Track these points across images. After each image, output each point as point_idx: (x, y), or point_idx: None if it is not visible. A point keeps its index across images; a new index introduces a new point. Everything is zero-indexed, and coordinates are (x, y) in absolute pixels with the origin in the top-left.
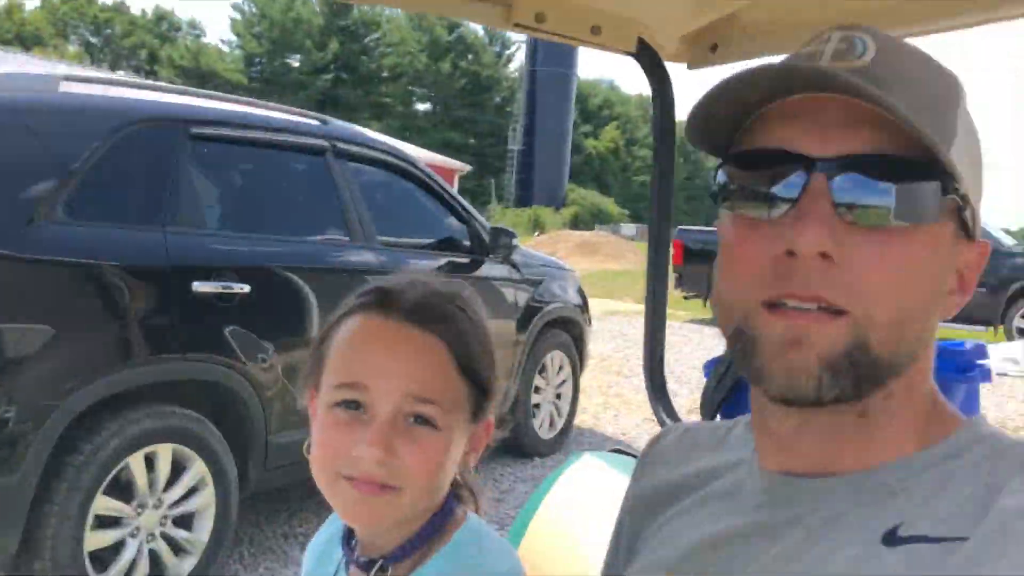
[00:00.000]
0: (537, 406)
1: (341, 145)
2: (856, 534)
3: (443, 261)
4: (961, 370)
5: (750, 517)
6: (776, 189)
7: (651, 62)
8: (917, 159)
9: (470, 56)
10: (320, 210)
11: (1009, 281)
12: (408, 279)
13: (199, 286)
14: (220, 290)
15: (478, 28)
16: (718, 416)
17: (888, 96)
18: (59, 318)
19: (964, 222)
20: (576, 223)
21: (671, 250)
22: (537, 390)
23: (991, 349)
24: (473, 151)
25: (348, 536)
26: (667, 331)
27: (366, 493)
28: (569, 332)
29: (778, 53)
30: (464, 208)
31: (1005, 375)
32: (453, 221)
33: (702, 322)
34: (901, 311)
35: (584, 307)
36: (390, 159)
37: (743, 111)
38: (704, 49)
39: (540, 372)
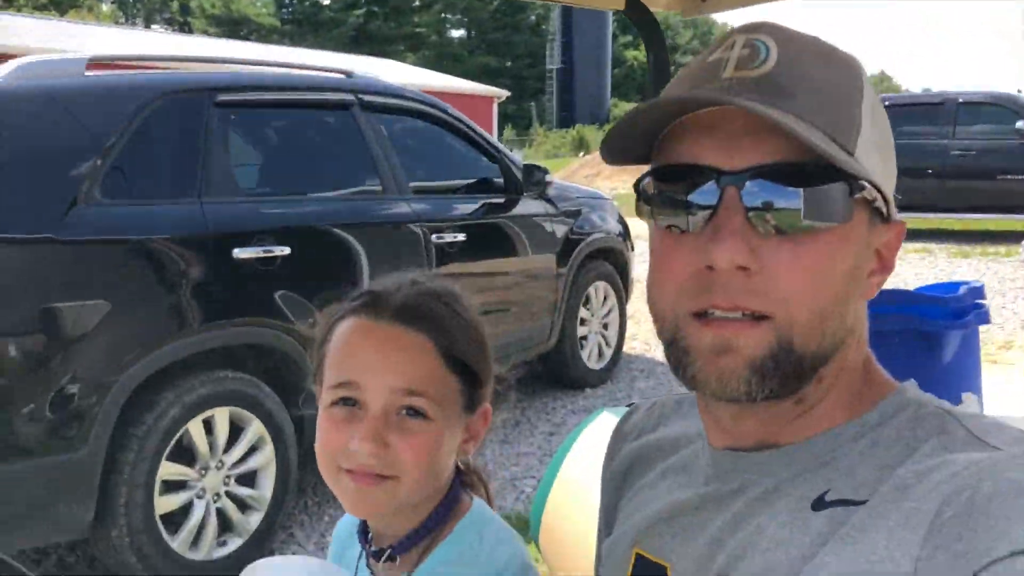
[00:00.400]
0: (584, 338)
1: (367, 97)
2: (791, 503)
3: (478, 203)
4: (955, 316)
5: (700, 489)
6: (693, 199)
7: (641, 16)
8: (822, 164)
9: None
10: (351, 164)
11: None
12: (398, 281)
13: (240, 252)
14: (261, 254)
15: None
16: None
17: (789, 102)
18: (110, 296)
19: (876, 208)
20: None
21: None
22: (583, 322)
23: None
24: (511, 74)
25: (364, 528)
26: None
27: (363, 484)
28: (611, 261)
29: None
30: (495, 148)
31: None
32: (485, 161)
33: None
34: (820, 309)
35: (625, 235)
36: (417, 105)
37: (653, 127)
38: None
39: (585, 304)
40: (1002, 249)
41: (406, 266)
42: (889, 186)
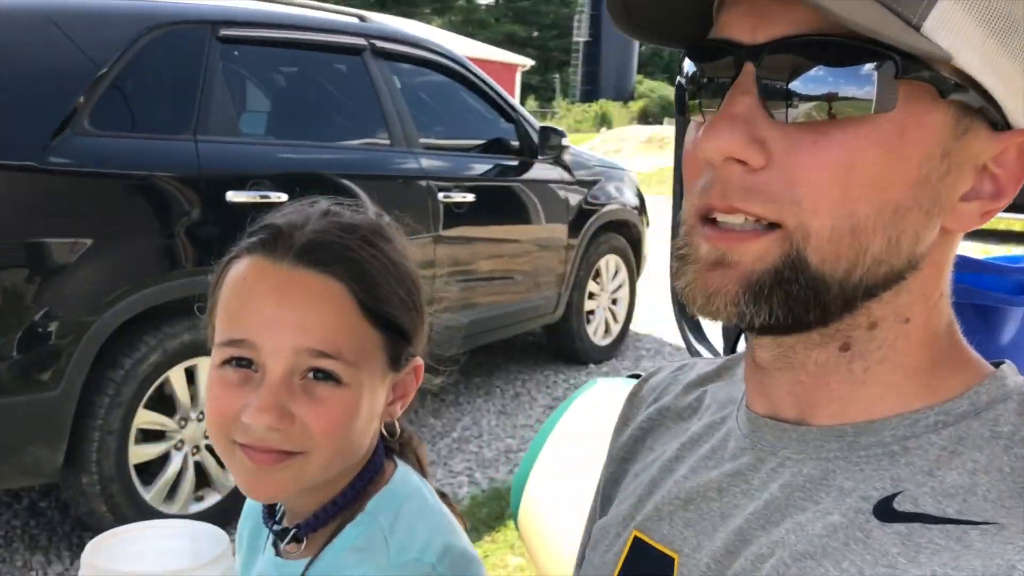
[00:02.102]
0: (591, 312)
1: (380, 43)
2: (843, 499)
3: (490, 164)
4: (1019, 290)
5: (728, 466)
6: (710, 81)
7: None
8: (862, 38)
9: None
10: (359, 113)
11: None
12: (306, 212)
13: (234, 195)
14: (257, 199)
15: None
16: (739, 348)
17: None
18: (92, 231)
19: (970, 107)
20: (645, 117)
21: None
22: (591, 296)
23: None
24: (536, 44)
25: (271, 503)
26: None
27: (262, 462)
28: (625, 235)
29: None
30: (512, 107)
31: None
32: (501, 121)
33: None
34: (851, 219)
35: (642, 209)
36: (433, 57)
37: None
38: None
39: (595, 277)
40: (1008, 247)
41: (410, 223)
42: (1006, 81)
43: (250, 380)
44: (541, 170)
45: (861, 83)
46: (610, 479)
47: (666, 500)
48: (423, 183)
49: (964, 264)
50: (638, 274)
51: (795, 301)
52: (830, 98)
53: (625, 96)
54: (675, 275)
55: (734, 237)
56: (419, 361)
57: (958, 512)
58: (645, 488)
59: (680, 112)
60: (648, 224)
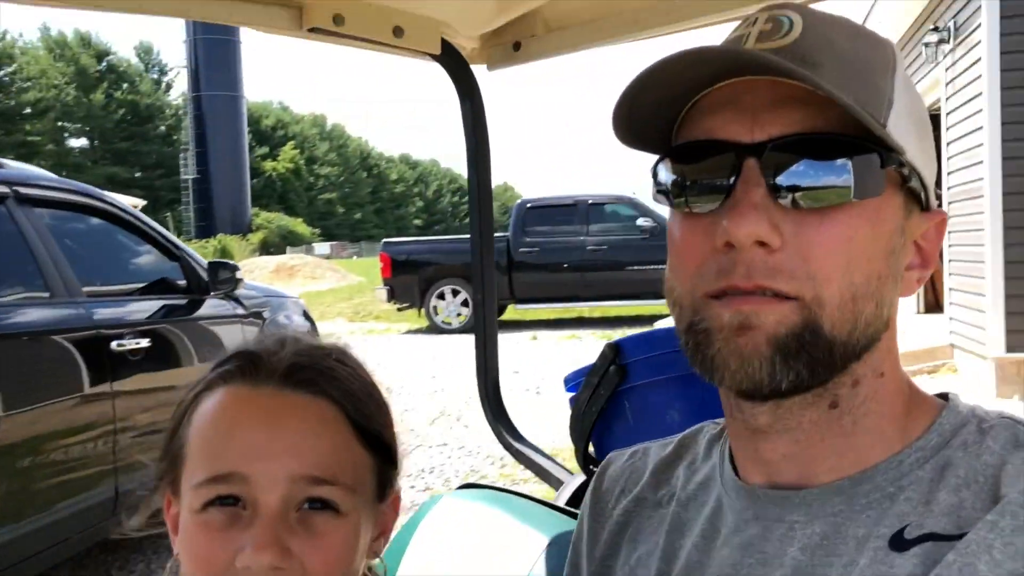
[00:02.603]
0: None
1: (23, 190)
2: (861, 544)
3: (159, 305)
4: None
5: (735, 540)
6: (710, 180)
7: (456, 65)
8: (850, 134)
9: (125, 85)
10: (9, 265)
11: None
12: (274, 337)
13: None
14: None
15: (131, 55)
16: (590, 444)
17: (815, 71)
18: None
19: (913, 192)
20: (267, 248)
21: (493, 262)
22: None
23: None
24: (142, 184)
25: None
26: (390, 344)
27: None
28: None
29: (583, 47)
30: (174, 244)
31: None
32: (164, 260)
33: (419, 331)
34: (852, 288)
35: (314, 333)
36: (82, 199)
37: (669, 106)
38: (507, 48)
39: None
40: (639, 329)
41: (77, 383)
42: (928, 172)
43: (238, 520)
44: (214, 306)
45: (854, 171)
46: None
47: None
48: (92, 332)
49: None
50: None
51: (815, 363)
52: (827, 186)
53: (243, 229)
54: (695, 350)
55: (757, 302)
56: (399, 491)
57: (957, 527)
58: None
59: (672, 205)
60: None
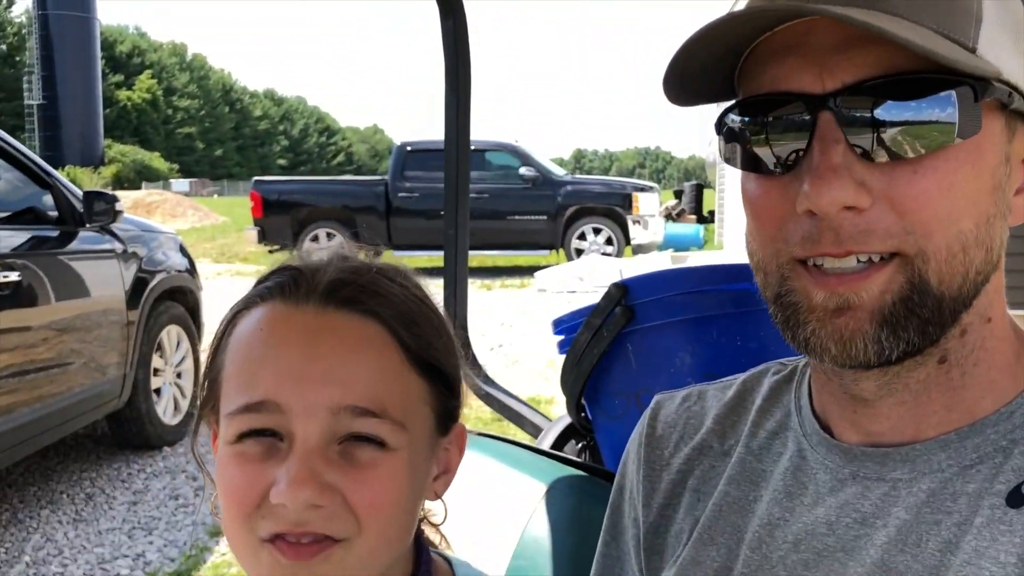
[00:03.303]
0: (158, 390)
1: None
2: (974, 501)
3: (26, 236)
4: None
5: (830, 500)
6: (782, 138)
7: None
8: (934, 70)
9: None
10: None
11: (564, 207)
12: (320, 252)
13: None
14: None
15: None
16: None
17: (886, 2)
18: None
19: (1016, 111)
20: (120, 183)
21: (468, 198)
22: (156, 372)
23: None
24: None
25: None
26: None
27: (298, 557)
28: (182, 302)
29: None
30: (45, 171)
31: (574, 291)
32: (32, 187)
33: None
34: (961, 238)
35: (193, 271)
36: None
37: (722, 58)
38: None
39: (157, 351)
40: (517, 281)
41: None
42: None
43: (275, 452)
44: (89, 240)
45: (945, 111)
46: (650, 529)
47: (771, 547)
48: None
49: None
50: (199, 341)
51: (926, 324)
52: (918, 132)
53: (95, 162)
54: (785, 324)
55: (852, 279)
56: (463, 426)
57: None
58: (730, 536)
59: (742, 166)
60: (201, 287)
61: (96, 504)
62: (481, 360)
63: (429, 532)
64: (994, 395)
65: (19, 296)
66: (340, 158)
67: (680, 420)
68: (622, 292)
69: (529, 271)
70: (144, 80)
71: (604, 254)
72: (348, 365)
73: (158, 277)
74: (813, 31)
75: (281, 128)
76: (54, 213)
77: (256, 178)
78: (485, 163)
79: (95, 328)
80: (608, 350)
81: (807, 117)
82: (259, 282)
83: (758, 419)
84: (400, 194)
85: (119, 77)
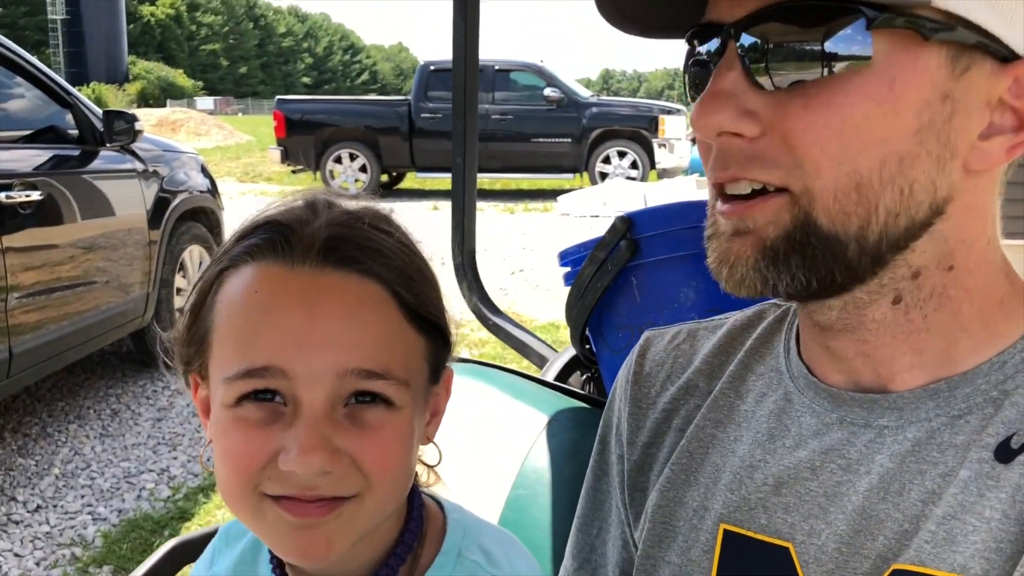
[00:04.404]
0: (180, 310)
1: None
2: (961, 453)
3: (50, 155)
4: None
5: (813, 443)
6: (698, 63)
7: None
8: None
9: None
10: None
11: (589, 130)
12: (302, 202)
13: None
14: None
15: None
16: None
17: None
18: None
19: (969, 44)
20: (145, 100)
21: (476, 123)
22: (179, 292)
23: (578, 196)
24: (3, 23)
25: (279, 562)
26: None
27: (307, 515)
28: (204, 223)
29: None
30: (65, 90)
31: (597, 216)
32: (53, 106)
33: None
34: (854, 177)
35: (214, 191)
36: None
37: None
38: None
39: (180, 271)
40: (540, 205)
41: None
42: (1010, 14)
43: (279, 416)
44: (110, 159)
45: (836, 41)
46: (634, 467)
47: (751, 488)
48: None
49: None
50: None
51: (813, 263)
52: (808, 60)
53: (119, 79)
54: (708, 256)
55: (743, 205)
56: (451, 370)
57: None
58: (709, 476)
59: (688, 95)
60: (223, 207)
61: (122, 420)
62: (502, 284)
63: (421, 472)
64: (974, 342)
65: (43, 215)
66: (364, 76)
67: (668, 359)
68: (627, 225)
69: (553, 195)
70: None
71: (628, 178)
72: (351, 328)
73: (180, 197)
74: None
75: (305, 46)
76: (74, 132)
77: (279, 97)
78: (510, 84)
79: (118, 247)
80: (612, 283)
81: (719, 45)
82: (241, 237)
83: (746, 360)
84: (423, 115)
85: None
